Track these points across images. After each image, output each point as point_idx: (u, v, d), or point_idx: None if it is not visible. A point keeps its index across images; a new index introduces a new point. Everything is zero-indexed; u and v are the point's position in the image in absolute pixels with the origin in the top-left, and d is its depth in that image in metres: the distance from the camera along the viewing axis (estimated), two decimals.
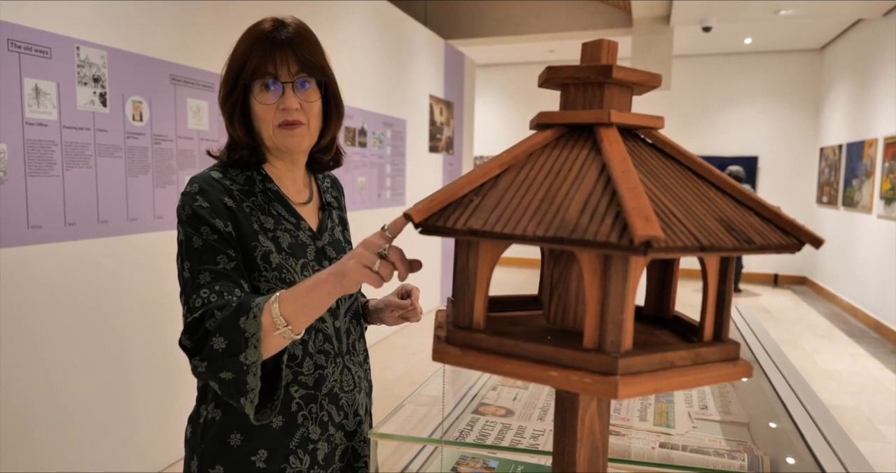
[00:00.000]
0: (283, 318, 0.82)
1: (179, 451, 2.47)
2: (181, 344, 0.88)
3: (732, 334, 0.66)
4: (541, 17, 6.51)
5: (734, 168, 7.09)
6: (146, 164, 2.59)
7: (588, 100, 0.67)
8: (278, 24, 0.97)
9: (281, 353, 0.90)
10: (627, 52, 6.60)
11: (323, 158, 1.06)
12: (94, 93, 2.34)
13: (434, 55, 5.89)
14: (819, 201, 7.65)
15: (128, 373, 2.54)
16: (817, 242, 0.61)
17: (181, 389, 2.68)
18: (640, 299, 0.67)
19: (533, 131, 0.71)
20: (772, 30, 6.82)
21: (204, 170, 1.00)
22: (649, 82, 0.68)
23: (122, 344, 2.51)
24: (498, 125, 9.42)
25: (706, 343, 0.65)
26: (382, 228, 0.77)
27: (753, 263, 8.19)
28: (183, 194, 0.95)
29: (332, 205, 1.12)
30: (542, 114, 0.68)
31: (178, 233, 0.94)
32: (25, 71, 2.08)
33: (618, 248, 0.51)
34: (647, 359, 0.58)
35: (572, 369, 0.58)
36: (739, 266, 7.34)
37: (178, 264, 0.94)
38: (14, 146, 2.06)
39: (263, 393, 0.89)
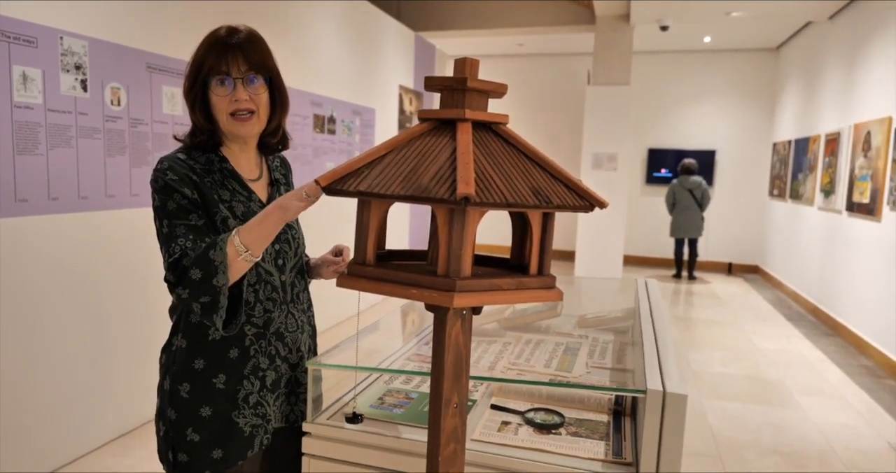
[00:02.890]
0: (244, 245, 1.07)
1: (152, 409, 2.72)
2: (166, 280, 1.13)
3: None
4: (510, 12, 6.76)
5: (688, 160, 7.45)
6: (123, 146, 2.80)
7: (454, 101, 0.93)
8: (232, 30, 1.20)
9: (240, 284, 1.16)
10: (591, 48, 6.87)
11: (271, 141, 1.30)
12: (76, 79, 2.55)
13: (404, 47, 6.11)
14: (771, 194, 8.06)
15: (104, 334, 2.76)
16: (602, 204, 0.89)
17: (154, 348, 2.91)
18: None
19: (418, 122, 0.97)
20: (730, 29, 7.15)
21: (171, 152, 1.24)
22: (498, 90, 0.94)
23: (98, 307, 2.73)
24: None
25: (531, 275, 0.92)
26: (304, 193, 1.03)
27: (710, 253, 8.58)
28: (155, 171, 1.19)
29: (280, 181, 1.36)
30: (420, 112, 0.94)
31: (154, 200, 1.18)
32: (14, 58, 2.28)
33: (447, 203, 0.78)
34: (480, 282, 0.86)
35: (426, 288, 0.84)
36: (694, 254, 7.71)
37: (156, 225, 1.18)
38: (3, 127, 2.26)
39: (228, 313, 1.14)
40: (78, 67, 2.55)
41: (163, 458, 1.26)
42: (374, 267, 0.90)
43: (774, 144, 8.08)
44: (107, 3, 2.68)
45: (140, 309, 2.89)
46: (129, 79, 2.81)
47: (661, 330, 1.61)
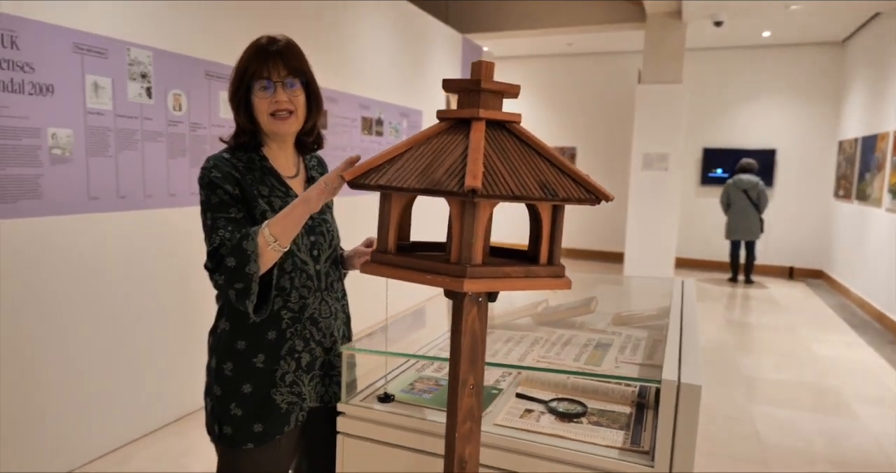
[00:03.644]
0: (272, 236, 1.18)
1: (186, 402, 2.90)
2: (206, 267, 1.24)
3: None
4: (559, 12, 6.75)
5: (745, 160, 7.24)
6: (184, 148, 3.00)
7: (470, 102, 0.99)
8: (272, 39, 1.32)
9: (271, 273, 1.26)
10: (641, 46, 6.78)
11: (307, 140, 1.40)
12: (142, 87, 2.75)
13: (451, 49, 6.20)
14: (836, 194, 7.72)
15: (167, 322, 2.96)
16: (608, 198, 0.94)
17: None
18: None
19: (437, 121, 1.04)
20: (791, 23, 6.91)
21: (217, 152, 1.36)
22: (510, 91, 1.00)
23: (162, 297, 2.92)
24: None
25: (540, 265, 0.98)
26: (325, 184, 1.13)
27: (770, 256, 8.30)
28: (202, 168, 1.31)
29: (316, 178, 1.45)
30: (439, 112, 1.01)
31: (201, 195, 1.30)
32: (87, 68, 2.49)
33: (457, 195, 0.85)
34: (490, 270, 0.92)
35: (440, 274, 0.91)
36: (752, 257, 7.47)
37: (202, 217, 1.29)
38: (78, 131, 2.47)
39: (259, 300, 1.25)
40: (143, 76, 2.75)
41: (210, 430, 1.37)
42: (395, 255, 0.98)
43: (840, 143, 7.74)
44: (168, 16, 2.88)
45: (197, 299, 3.08)
46: (189, 86, 3.00)
47: (688, 325, 1.62)
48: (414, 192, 0.90)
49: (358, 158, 1.11)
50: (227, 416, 1.32)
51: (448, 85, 1.01)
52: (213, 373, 1.36)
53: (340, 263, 1.48)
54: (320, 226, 1.38)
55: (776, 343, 4.91)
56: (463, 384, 1.02)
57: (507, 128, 1.01)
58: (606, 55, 9.08)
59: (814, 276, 8.17)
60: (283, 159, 1.39)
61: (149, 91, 2.78)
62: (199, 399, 3.11)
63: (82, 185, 2.51)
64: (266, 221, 1.20)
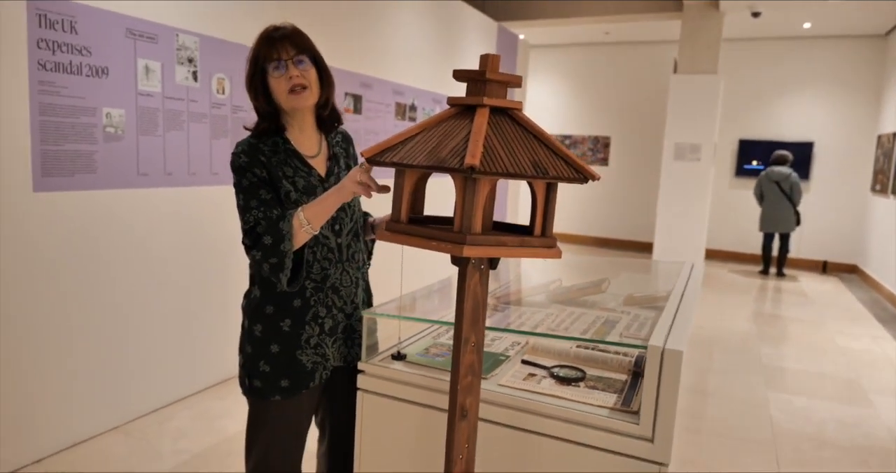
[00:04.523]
0: (306, 220, 1.33)
1: (226, 367, 3.12)
2: (243, 243, 1.39)
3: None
4: (596, 1, 6.74)
5: (780, 151, 7.17)
6: (226, 129, 3.18)
7: (476, 90, 1.12)
8: (277, 27, 1.44)
9: (302, 250, 1.41)
10: (678, 36, 6.73)
11: (323, 114, 1.51)
12: (189, 71, 2.93)
13: (486, 37, 6.27)
14: (872, 189, 7.57)
15: (208, 292, 3.17)
16: (594, 177, 1.06)
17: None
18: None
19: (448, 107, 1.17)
20: (832, 14, 6.77)
21: (245, 138, 1.48)
22: (513, 81, 1.13)
23: (204, 268, 3.13)
24: (553, 103, 9.68)
25: (534, 236, 1.10)
26: (360, 165, 1.26)
27: (804, 250, 8.20)
28: (232, 154, 1.44)
29: (340, 154, 1.57)
30: (449, 98, 1.14)
31: (234, 178, 1.44)
32: (139, 53, 2.68)
33: (458, 171, 0.98)
34: (488, 238, 1.05)
35: (444, 241, 1.05)
36: (785, 250, 7.39)
37: (236, 198, 1.44)
38: (129, 111, 2.67)
39: (291, 273, 1.40)
40: (190, 60, 2.94)
41: (241, 383, 1.53)
42: (406, 224, 1.11)
43: (879, 137, 7.57)
44: (214, 3, 3.05)
45: (235, 271, 3.28)
46: (232, 71, 3.17)
47: (686, 302, 1.72)
48: (422, 169, 1.04)
49: (369, 168, 1.27)
50: (256, 371, 1.48)
51: (458, 75, 1.14)
52: (246, 333, 1.51)
53: (370, 229, 1.62)
54: None
55: (801, 334, 4.92)
56: (465, 341, 1.16)
57: (509, 115, 1.13)
58: (643, 44, 9.01)
59: (848, 271, 8.04)
60: (306, 140, 1.51)
61: (195, 75, 2.97)
62: (237, 365, 3.33)
63: (132, 162, 2.71)
64: (302, 206, 1.35)
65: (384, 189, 1.27)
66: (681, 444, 2.87)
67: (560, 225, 9.82)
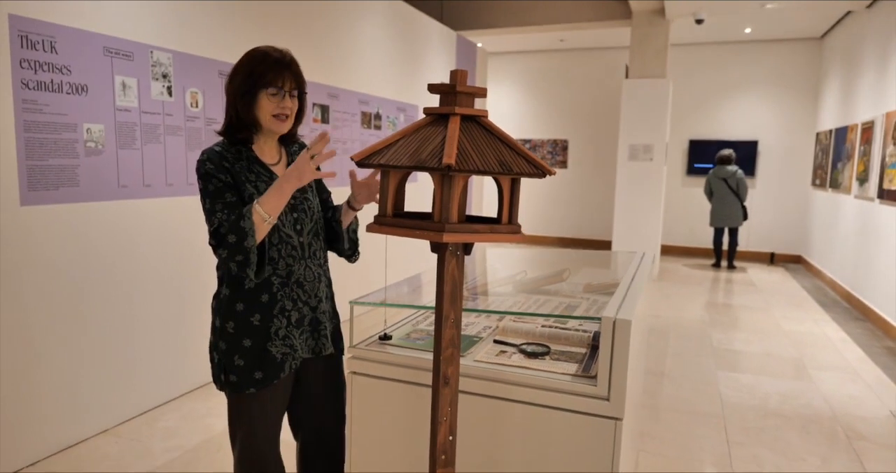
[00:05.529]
0: (266, 213, 1.48)
1: (208, 370, 3.26)
2: (210, 243, 1.52)
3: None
4: (548, 9, 7.05)
5: (724, 151, 7.58)
6: (200, 141, 3.30)
7: (448, 101, 1.31)
8: (281, 52, 1.58)
9: (263, 243, 1.54)
10: (628, 42, 7.08)
11: (286, 136, 1.68)
12: (163, 86, 3.05)
13: (446, 46, 6.50)
14: (813, 183, 8.07)
15: (186, 298, 3.28)
16: (550, 172, 1.26)
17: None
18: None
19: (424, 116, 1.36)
20: (771, 19, 7.22)
21: (210, 146, 1.61)
22: (479, 93, 1.32)
23: (182, 276, 3.24)
24: (512, 108, 9.98)
25: (502, 224, 1.30)
26: (307, 151, 1.44)
27: (752, 243, 8.65)
28: (198, 161, 1.57)
29: None
30: (426, 109, 1.33)
31: (199, 184, 1.57)
32: (116, 70, 2.80)
33: (437, 170, 1.17)
34: (463, 226, 1.24)
35: (426, 230, 1.23)
36: (734, 243, 7.81)
37: (201, 202, 1.56)
38: (108, 126, 2.78)
39: (258, 265, 1.54)
40: (164, 76, 3.06)
41: (216, 380, 1.64)
42: (392, 218, 1.30)
43: (817, 134, 8.08)
44: (186, 21, 3.18)
45: (212, 277, 3.39)
46: (204, 85, 3.30)
47: (636, 282, 1.95)
48: (406, 169, 1.22)
49: (326, 134, 1.45)
50: (232, 366, 1.59)
51: (432, 88, 1.33)
52: (218, 332, 1.62)
53: (337, 222, 1.76)
54: (302, 203, 1.66)
55: (749, 320, 5.26)
56: (446, 318, 1.34)
57: (477, 121, 1.33)
58: (597, 51, 9.39)
59: (793, 262, 8.52)
60: (268, 150, 1.66)
61: (169, 89, 3.09)
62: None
63: (113, 175, 2.82)
64: (256, 201, 1.49)
65: (329, 175, 1.49)
66: (639, 419, 3.12)
67: (524, 227, 10.10)
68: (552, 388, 1.55)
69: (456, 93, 1.29)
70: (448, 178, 1.21)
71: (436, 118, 1.32)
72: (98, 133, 2.74)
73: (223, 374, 1.61)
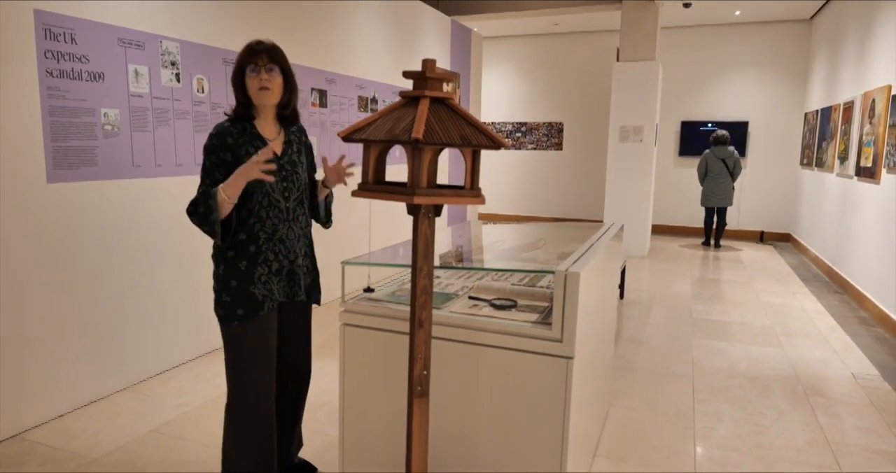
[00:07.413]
0: (226, 195, 1.79)
1: (217, 336, 3.55)
2: (187, 211, 1.86)
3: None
4: None
5: (721, 132, 7.76)
6: (206, 124, 3.54)
7: (419, 86, 1.55)
8: (259, 42, 1.90)
9: (231, 220, 1.86)
10: (618, 25, 7.25)
11: (284, 113, 1.99)
12: (172, 73, 3.29)
13: (440, 31, 6.69)
14: (801, 163, 8.26)
15: (196, 270, 3.54)
16: (504, 145, 1.50)
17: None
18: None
19: (398, 98, 1.60)
20: (760, 2, 7.36)
21: (221, 121, 1.93)
22: (447, 78, 1.56)
23: (190, 250, 3.51)
24: (507, 91, 10.16)
25: (466, 189, 1.55)
26: (261, 152, 1.75)
27: (743, 222, 8.87)
28: (209, 135, 1.91)
29: (294, 141, 2.02)
30: (401, 92, 1.57)
31: (203, 156, 1.89)
32: (129, 58, 3.03)
33: (407, 143, 1.41)
34: (431, 190, 1.49)
35: (401, 193, 1.48)
36: (723, 223, 8.03)
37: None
38: (123, 111, 3.02)
39: (224, 233, 1.86)
40: (173, 64, 3.29)
41: (215, 312, 1.98)
42: (373, 185, 1.55)
43: (805, 114, 8.26)
44: (192, 13, 3.41)
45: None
46: (210, 72, 3.53)
47: (595, 245, 2.20)
48: (382, 143, 1.47)
49: (272, 151, 1.79)
50: (220, 301, 1.94)
51: (406, 74, 1.57)
52: (214, 273, 1.97)
53: (316, 193, 2.09)
54: (292, 175, 1.98)
55: (729, 294, 5.51)
56: (420, 269, 1.60)
57: (444, 103, 1.57)
58: (590, 34, 9.54)
59: (783, 240, 8.75)
60: (268, 127, 1.98)
61: (177, 76, 3.32)
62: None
63: (127, 155, 3.07)
64: (220, 186, 1.81)
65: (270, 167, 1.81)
66: (615, 381, 3.38)
67: (519, 207, 10.35)
68: (515, 333, 1.81)
69: (426, 79, 1.53)
70: (418, 150, 1.45)
71: (409, 100, 1.56)
72: (114, 117, 2.99)
73: (216, 307, 1.97)
